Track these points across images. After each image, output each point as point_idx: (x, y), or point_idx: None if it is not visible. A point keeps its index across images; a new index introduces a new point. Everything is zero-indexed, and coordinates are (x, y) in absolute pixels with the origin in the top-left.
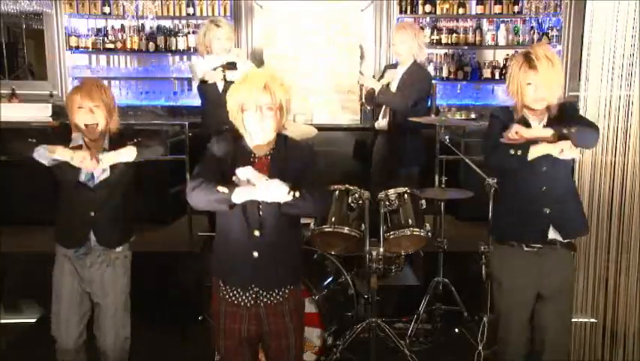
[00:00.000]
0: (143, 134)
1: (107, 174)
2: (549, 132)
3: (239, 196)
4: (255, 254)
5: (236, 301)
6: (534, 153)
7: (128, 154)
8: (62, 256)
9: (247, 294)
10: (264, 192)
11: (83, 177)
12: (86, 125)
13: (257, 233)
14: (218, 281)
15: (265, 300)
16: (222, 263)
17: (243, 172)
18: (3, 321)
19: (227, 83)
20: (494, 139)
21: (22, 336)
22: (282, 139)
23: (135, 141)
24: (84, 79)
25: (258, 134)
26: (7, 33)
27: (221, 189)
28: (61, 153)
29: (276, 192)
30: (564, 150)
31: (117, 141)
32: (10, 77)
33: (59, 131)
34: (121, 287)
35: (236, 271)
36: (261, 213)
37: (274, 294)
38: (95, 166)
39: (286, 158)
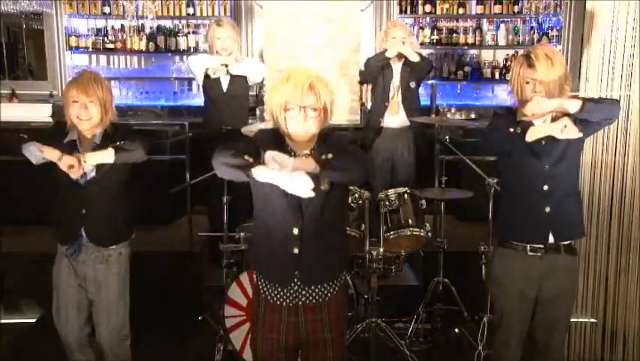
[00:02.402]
0: (137, 135)
1: (93, 172)
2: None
3: (260, 173)
4: (295, 251)
5: (275, 300)
6: (533, 132)
7: (107, 156)
8: (61, 252)
9: (287, 290)
10: (287, 181)
11: (74, 175)
12: (79, 119)
13: (295, 231)
14: (257, 282)
15: (304, 299)
16: (262, 259)
17: (271, 153)
18: (3, 321)
19: (233, 78)
20: (495, 127)
21: (22, 336)
22: (322, 138)
23: (118, 144)
24: (82, 72)
25: (300, 135)
26: (7, 33)
27: (248, 157)
28: (50, 154)
29: (299, 185)
30: (567, 127)
31: (111, 136)
32: (10, 77)
33: (56, 128)
34: (115, 285)
35: (276, 267)
36: (302, 209)
37: (315, 291)
38: (79, 173)
39: (328, 157)
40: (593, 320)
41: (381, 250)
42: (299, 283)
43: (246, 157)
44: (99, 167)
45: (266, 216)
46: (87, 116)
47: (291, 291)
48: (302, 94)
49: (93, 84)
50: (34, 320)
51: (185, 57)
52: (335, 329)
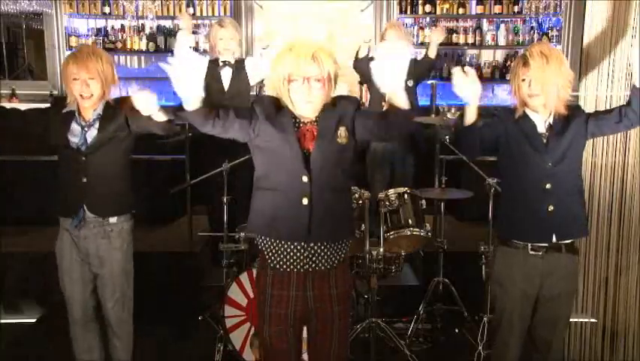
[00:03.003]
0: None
1: (96, 140)
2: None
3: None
4: (305, 201)
5: (284, 267)
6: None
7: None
8: (63, 227)
9: (295, 250)
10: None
11: (75, 143)
12: (81, 97)
13: (305, 179)
14: (264, 254)
15: (313, 265)
16: (269, 218)
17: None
18: (3, 321)
19: (235, 77)
20: (488, 123)
21: (22, 336)
22: (328, 104)
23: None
24: (81, 47)
25: (304, 106)
26: (7, 33)
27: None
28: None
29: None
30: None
31: (113, 109)
32: (10, 77)
33: (55, 103)
34: (118, 259)
35: (285, 221)
36: (310, 159)
37: (323, 253)
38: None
39: (333, 118)
40: (593, 320)
41: (381, 250)
42: (308, 240)
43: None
44: (100, 133)
45: (272, 172)
46: (89, 93)
47: (300, 251)
48: (305, 64)
49: (93, 59)
50: (34, 320)
51: None
52: (342, 302)
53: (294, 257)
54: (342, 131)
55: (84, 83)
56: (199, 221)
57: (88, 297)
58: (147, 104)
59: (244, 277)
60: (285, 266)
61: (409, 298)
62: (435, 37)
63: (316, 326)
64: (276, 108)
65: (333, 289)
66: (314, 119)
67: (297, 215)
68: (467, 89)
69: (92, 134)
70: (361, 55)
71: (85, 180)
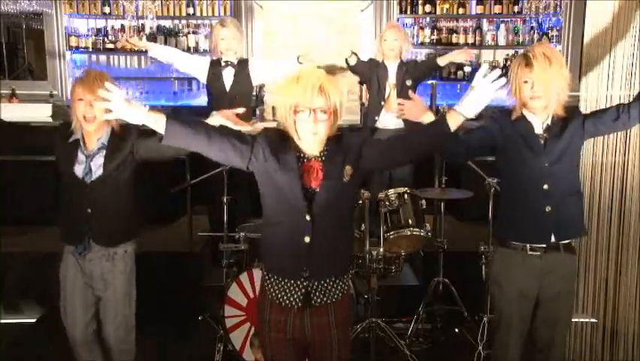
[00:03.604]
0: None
1: (100, 170)
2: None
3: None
4: (307, 240)
5: (283, 301)
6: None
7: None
8: (67, 250)
9: (295, 287)
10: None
11: (80, 173)
12: (84, 117)
13: (308, 218)
14: (265, 283)
15: (312, 301)
16: (272, 252)
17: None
18: (3, 321)
19: (236, 78)
20: (484, 126)
21: (22, 336)
22: (333, 139)
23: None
24: (87, 70)
25: (309, 138)
26: (7, 33)
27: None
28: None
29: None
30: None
31: (118, 137)
32: (10, 77)
33: (62, 128)
34: (121, 281)
35: (286, 258)
36: (315, 197)
37: (324, 287)
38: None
39: (338, 155)
40: (593, 320)
41: (381, 250)
42: (308, 276)
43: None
44: (107, 164)
45: (277, 209)
46: (92, 115)
47: (300, 287)
48: (312, 96)
49: (99, 82)
50: (34, 320)
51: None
52: (341, 327)
53: (293, 294)
54: (347, 169)
55: (88, 104)
56: (199, 221)
57: (89, 321)
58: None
59: (244, 277)
60: (282, 300)
61: (409, 298)
62: (458, 56)
63: (315, 352)
64: (282, 141)
65: (332, 316)
66: (318, 154)
67: (297, 252)
68: (484, 91)
69: (96, 163)
70: (352, 63)
71: (89, 210)
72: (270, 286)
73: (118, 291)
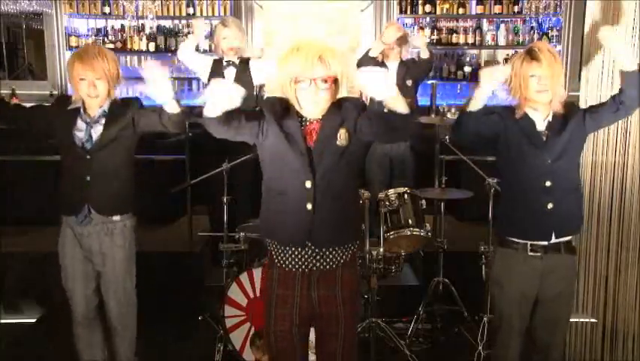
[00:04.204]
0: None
1: (100, 135)
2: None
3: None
4: (309, 207)
5: (289, 268)
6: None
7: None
8: (65, 224)
9: (300, 254)
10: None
11: (80, 140)
12: (89, 96)
13: (308, 184)
14: (271, 252)
15: (318, 264)
16: (274, 221)
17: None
18: (3, 321)
19: (237, 77)
20: (488, 112)
21: (22, 336)
22: (334, 103)
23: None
24: (86, 46)
25: (310, 107)
26: (7, 33)
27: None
28: None
29: (377, 80)
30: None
31: (119, 106)
32: (10, 77)
33: (59, 100)
34: (120, 256)
35: (289, 227)
36: (315, 164)
37: (328, 256)
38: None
39: (336, 118)
40: (593, 320)
41: (381, 250)
42: (312, 245)
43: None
44: (104, 132)
45: (277, 176)
46: (96, 94)
47: (305, 255)
48: (312, 66)
49: (99, 59)
50: (34, 320)
51: None
52: (348, 303)
53: (299, 259)
54: (342, 132)
55: (91, 84)
56: (199, 221)
57: (90, 295)
58: (163, 85)
59: (244, 277)
60: (290, 266)
61: (409, 298)
62: (417, 42)
63: (322, 327)
64: (283, 109)
65: (339, 290)
66: (320, 117)
67: (300, 220)
68: (491, 73)
69: (97, 131)
70: (372, 54)
71: (89, 178)
72: (276, 253)
73: (117, 266)
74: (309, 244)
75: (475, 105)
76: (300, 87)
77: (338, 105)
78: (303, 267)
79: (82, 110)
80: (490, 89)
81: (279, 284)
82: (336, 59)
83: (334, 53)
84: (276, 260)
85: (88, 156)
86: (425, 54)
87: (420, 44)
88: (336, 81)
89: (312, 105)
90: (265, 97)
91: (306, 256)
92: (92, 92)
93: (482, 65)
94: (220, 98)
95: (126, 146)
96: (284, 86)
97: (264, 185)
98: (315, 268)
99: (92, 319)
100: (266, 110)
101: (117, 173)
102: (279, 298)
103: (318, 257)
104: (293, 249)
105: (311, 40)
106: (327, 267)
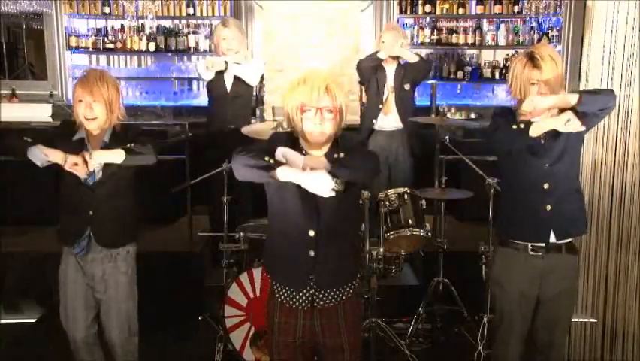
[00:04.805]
0: (147, 138)
1: (100, 173)
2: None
3: (284, 173)
4: (312, 253)
5: (290, 304)
6: (537, 128)
7: (116, 156)
8: (67, 251)
9: (302, 294)
10: (308, 179)
11: (81, 174)
12: (85, 118)
13: (312, 233)
14: (272, 287)
15: (321, 303)
16: (277, 263)
17: (282, 150)
18: (3, 321)
19: (237, 78)
20: (497, 127)
21: (22, 336)
22: (336, 140)
23: (129, 145)
24: (88, 71)
25: (316, 136)
26: (7, 33)
27: (269, 159)
28: (54, 156)
29: (321, 183)
30: (570, 120)
31: (120, 137)
32: (10, 77)
33: (64, 127)
34: (123, 282)
35: (291, 270)
36: (319, 211)
37: (330, 294)
38: (85, 172)
39: (340, 156)
40: (593, 320)
41: (381, 250)
42: (314, 286)
43: (267, 158)
44: (106, 167)
45: (282, 219)
46: (92, 116)
47: (307, 295)
48: (318, 96)
49: (98, 83)
50: (34, 320)
51: (185, 57)
52: (352, 333)
53: (300, 297)
54: (338, 180)
55: (88, 105)
56: (199, 221)
57: (90, 323)
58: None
59: (244, 277)
60: (291, 303)
61: (409, 298)
62: (398, 53)
63: (326, 356)
64: (289, 141)
65: (342, 319)
66: (322, 153)
67: (303, 265)
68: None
69: (98, 168)
70: (381, 56)
71: (91, 212)
72: (277, 289)
73: (120, 292)
74: (312, 285)
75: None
76: (306, 116)
77: (339, 143)
78: (305, 304)
79: (86, 141)
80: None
81: (280, 314)
82: (341, 91)
83: (340, 85)
84: (277, 296)
85: (90, 191)
86: (413, 58)
87: (401, 54)
88: (340, 112)
89: (318, 135)
90: (273, 133)
91: (308, 295)
92: (89, 113)
93: (482, 65)
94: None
95: (128, 174)
96: (290, 115)
97: (269, 218)
98: (317, 305)
99: (91, 344)
100: (272, 148)
101: (120, 204)
102: (282, 327)
103: (319, 295)
104: (294, 290)
105: (318, 71)
106: (329, 304)
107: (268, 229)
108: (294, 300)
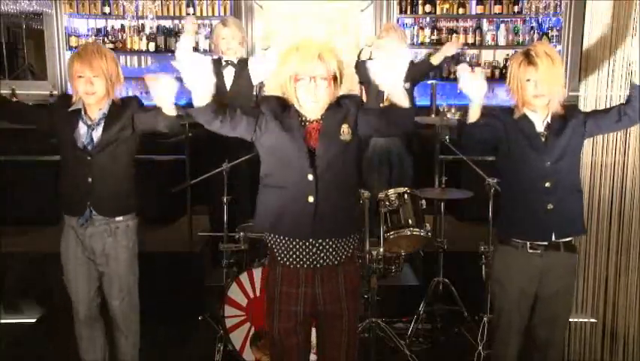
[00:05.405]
0: (147, 108)
1: (100, 137)
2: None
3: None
4: (311, 199)
5: (291, 262)
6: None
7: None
8: (68, 226)
9: (303, 248)
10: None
11: (82, 143)
12: (85, 94)
13: (310, 177)
14: (272, 248)
15: (321, 260)
16: (275, 215)
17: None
18: (3, 321)
19: (237, 77)
20: (487, 122)
21: (22, 336)
22: (332, 102)
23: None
24: (85, 45)
25: (310, 105)
26: (7, 33)
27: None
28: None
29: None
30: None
31: (120, 108)
32: (10, 77)
33: (61, 100)
34: (124, 257)
35: (291, 219)
36: (316, 157)
37: (330, 249)
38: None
39: (336, 116)
40: (593, 320)
41: (381, 250)
42: (314, 238)
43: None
44: (104, 135)
45: (278, 170)
46: (93, 91)
47: (307, 250)
48: (312, 64)
49: (97, 57)
50: (34, 320)
51: None
52: (351, 299)
53: (301, 253)
54: (344, 128)
55: (88, 80)
56: (199, 221)
57: (93, 296)
58: (166, 90)
59: (244, 277)
60: (293, 262)
61: (409, 298)
62: (448, 49)
63: (325, 322)
64: (283, 107)
65: (342, 286)
66: (319, 117)
67: (302, 212)
68: (473, 87)
69: (97, 133)
70: (363, 57)
71: (90, 180)
72: (278, 248)
73: (121, 266)
74: (311, 240)
75: (474, 116)
76: (299, 85)
77: (337, 103)
78: (307, 263)
79: (82, 111)
80: (479, 100)
81: (282, 282)
82: (335, 58)
83: (333, 52)
84: (279, 257)
85: (89, 158)
86: (436, 61)
87: (446, 52)
88: (335, 79)
89: (312, 103)
90: (264, 95)
91: (308, 251)
92: (89, 88)
93: (482, 65)
94: (193, 70)
95: (127, 146)
96: (284, 85)
97: (261, 181)
98: (318, 265)
99: (94, 319)
100: (265, 107)
101: (119, 174)
102: (283, 295)
103: (320, 252)
104: (295, 242)
105: (311, 39)
106: (330, 262)
107: (260, 188)
108: (295, 256)
